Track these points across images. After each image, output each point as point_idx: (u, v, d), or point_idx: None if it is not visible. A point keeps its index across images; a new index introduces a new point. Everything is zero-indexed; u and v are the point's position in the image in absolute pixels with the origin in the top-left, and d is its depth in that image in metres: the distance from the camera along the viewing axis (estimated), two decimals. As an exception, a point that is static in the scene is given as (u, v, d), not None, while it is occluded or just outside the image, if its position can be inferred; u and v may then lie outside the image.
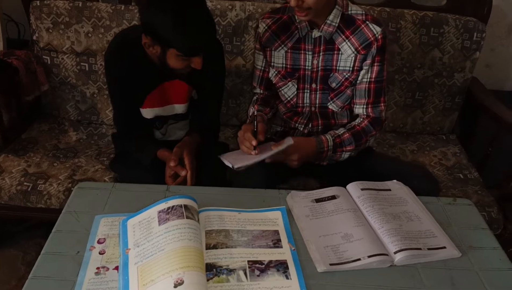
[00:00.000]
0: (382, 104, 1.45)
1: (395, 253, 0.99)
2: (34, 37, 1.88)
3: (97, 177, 1.62)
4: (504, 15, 2.03)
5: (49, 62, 1.89)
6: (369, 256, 0.98)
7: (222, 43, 1.81)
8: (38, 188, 1.57)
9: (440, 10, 1.89)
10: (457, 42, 1.84)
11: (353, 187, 1.20)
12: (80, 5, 1.83)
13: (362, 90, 1.43)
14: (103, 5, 1.83)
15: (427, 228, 1.09)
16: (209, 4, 1.82)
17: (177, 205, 1.03)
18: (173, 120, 1.52)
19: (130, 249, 0.97)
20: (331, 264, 0.97)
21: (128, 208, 1.10)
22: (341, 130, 1.44)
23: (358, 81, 1.42)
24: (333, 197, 1.17)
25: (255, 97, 1.56)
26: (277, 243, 1.03)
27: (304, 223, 1.09)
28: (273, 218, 1.11)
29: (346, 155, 1.45)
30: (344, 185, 1.22)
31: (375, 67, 1.39)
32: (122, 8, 1.83)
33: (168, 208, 1.02)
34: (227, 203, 1.14)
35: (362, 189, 1.18)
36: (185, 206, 1.03)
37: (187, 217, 1.00)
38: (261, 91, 1.54)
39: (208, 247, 0.99)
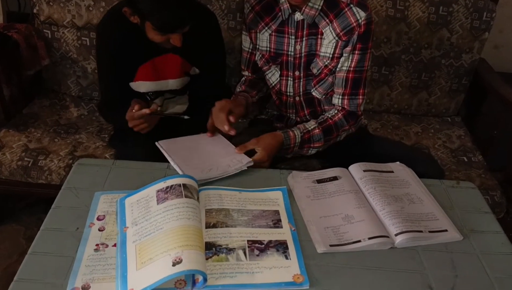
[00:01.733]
0: (360, 97, 1.35)
1: (396, 235, 0.99)
2: (35, 10, 1.84)
3: (98, 153, 1.62)
4: (515, -5, 1.98)
5: (49, 36, 1.86)
6: (370, 238, 0.98)
7: (226, 19, 1.79)
8: (39, 164, 1.56)
9: (451, -12, 1.84)
10: (466, 22, 1.80)
11: (355, 169, 1.19)
12: (81, -23, 1.79)
13: (340, 79, 1.33)
14: (104, -22, 1.79)
15: (429, 211, 1.08)
16: (212, -21, 1.77)
17: (176, 185, 1.02)
18: (170, 94, 1.50)
19: (128, 227, 0.96)
20: (331, 245, 0.97)
21: (128, 185, 1.09)
22: (311, 124, 1.35)
23: (337, 69, 1.33)
24: (334, 178, 1.16)
25: (243, 78, 1.52)
26: (277, 223, 1.02)
27: (304, 204, 1.08)
28: (274, 198, 1.10)
29: (313, 151, 1.38)
30: (346, 167, 1.20)
31: (356, 55, 1.29)
32: (124, -19, 1.79)
33: (167, 187, 1.01)
34: (228, 182, 1.14)
35: (364, 171, 1.17)
36: (184, 185, 1.02)
37: (186, 196, 0.99)
38: (249, 74, 1.49)
39: (208, 226, 0.99)
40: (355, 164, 1.20)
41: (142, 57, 1.39)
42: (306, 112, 1.47)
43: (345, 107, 1.36)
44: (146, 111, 1.27)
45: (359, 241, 0.98)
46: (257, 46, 1.41)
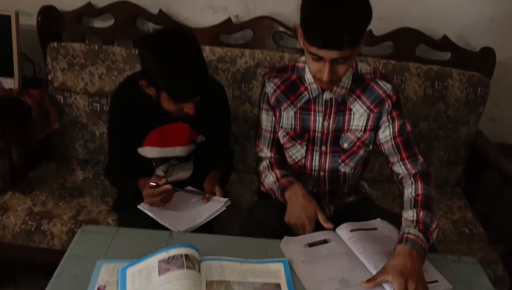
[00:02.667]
0: (419, 156, 1.31)
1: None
2: (49, 77, 1.94)
3: (101, 218, 1.63)
4: (508, 71, 2.07)
5: (62, 102, 1.95)
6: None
7: (231, 89, 1.88)
8: (42, 228, 1.58)
9: (445, 64, 1.93)
10: (462, 96, 1.87)
11: (342, 230, 1.22)
12: (96, 48, 1.89)
13: (390, 148, 1.32)
14: (118, 49, 1.90)
15: None
16: (220, 51, 1.88)
17: (178, 255, 1.02)
18: (175, 161, 1.54)
19: (129, 299, 0.96)
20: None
21: (130, 254, 1.09)
22: (409, 214, 1.20)
23: (382, 141, 1.33)
24: (324, 241, 1.19)
25: (265, 162, 1.43)
26: (278, 298, 1.01)
27: (301, 269, 1.10)
28: (275, 270, 1.10)
29: (435, 234, 1.20)
30: None
31: (396, 122, 1.31)
32: (136, 52, 1.89)
33: (169, 257, 1.02)
34: (229, 252, 1.14)
35: (351, 231, 1.20)
36: (186, 256, 1.02)
37: (188, 267, 1.00)
38: (272, 155, 1.43)
39: (208, 299, 0.98)
40: (342, 225, 1.22)
41: (152, 124, 1.44)
42: (327, 188, 1.45)
43: (412, 171, 1.29)
44: (168, 187, 1.31)
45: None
46: (281, 124, 1.39)
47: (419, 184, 1.26)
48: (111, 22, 2.02)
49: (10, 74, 1.91)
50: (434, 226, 1.18)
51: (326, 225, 1.23)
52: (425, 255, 1.12)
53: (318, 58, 1.14)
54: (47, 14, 1.95)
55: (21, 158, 1.86)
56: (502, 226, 1.73)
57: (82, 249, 1.12)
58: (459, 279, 1.13)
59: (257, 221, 1.37)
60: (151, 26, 2.06)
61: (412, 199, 1.24)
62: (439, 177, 1.99)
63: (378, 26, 1.95)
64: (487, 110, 1.95)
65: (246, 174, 1.96)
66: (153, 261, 1.03)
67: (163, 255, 1.04)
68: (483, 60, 1.92)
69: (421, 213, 1.19)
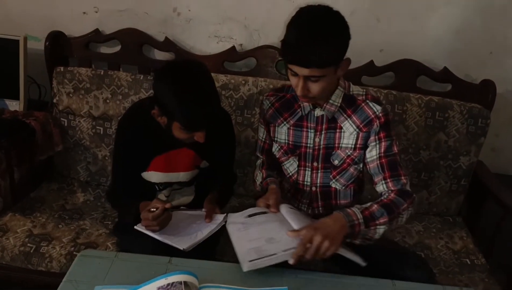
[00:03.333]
0: (402, 178, 1.36)
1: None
2: (54, 100, 1.96)
3: (100, 241, 1.62)
4: (508, 103, 2.09)
5: (66, 124, 1.97)
6: (284, 250, 1.14)
7: (234, 115, 1.90)
8: (41, 250, 1.57)
9: (445, 95, 1.96)
10: (462, 127, 1.89)
11: (283, 206, 1.37)
12: (102, 73, 1.93)
13: (376, 168, 1.39)
14: (123, 74, 1.93)
15: None
16: (223, 78, 1.91)
17: (177, 282, 1.01)
18: (177, 186, 1.55)
19: (127, 325, 0.95)
20: (250, 261, 1.12)
21: (129, 280, 1.09)
22: (366, 204, 1.32)
23: (368, 160, 1.40)
24: (264, 213, 1.35)
25: (259, 161, 1.60)
26: (277, 327, 1.00)
27: (235, 236, 1.24)
28: (275, 299, 1.09)
29: (381, 230, 1.29)
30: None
31: (383, 142, 1.38)
32: (141, 78, 1.93)
33: (168, 284, 1.01)
34: (229, 279, 1.13)
35: (291, 207, 1.36)
36: (185, 283, 1.02)
37: (187, 295, 0.99)
38: (264, 158, 1.59)
39: (207, 327, 0.97)
40: (283, 204, 1.37)
41: (158, 149, 1.46)
42: (320, 203, 1.51)
43: (392, 188, 1.35)
44: (165, 206, 1.31)
45: (275, 254, 1.14)
46: (275, 139, 1.51)
47: (392, 195, 1.34)
48: (117, 48, 2.06)
49: (16, 97, 1.95)
50: (381, 221, 1.28)
51: (271, 209, 1.35)
52: (354, 232, 1.25)
53: (294, 74, 1.28)
54: (55, 39, 1.99)
55: (22, 179, 1.87)
56: (503, 256, 1.71)
57: (81, 273, 1.11)
58: (460, 311, 1.12)
59: None
60: (157, 53, 2.10)
61: (377, 201, 1.33)
62: (440, 206, 1.99)
63: (379, 57, 2.00)
64: (488, 141, 1.96)
65: (247, 199, 1.96)
66: (151, 288, 1.02)
67: (162, 281, 1.03)
68: (483, 92, 1.94)
69: (375, 207, 1.30)
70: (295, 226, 1.25)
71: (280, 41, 1.28)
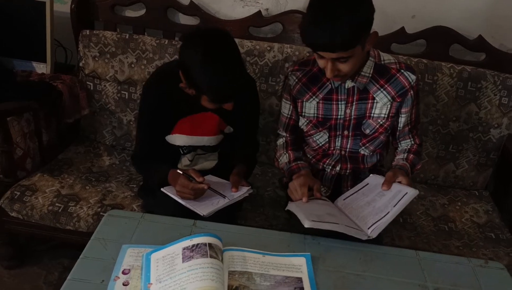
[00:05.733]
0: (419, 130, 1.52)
1: (368, 229, 1.19)
2: (81, 64, 1.97)
3: (126, 203, 1.66)
4: (545, 74, 2.00)
5: (91, 88, 1.98)
6: (346, 225, 1.17)
7: (258, 82, 1.87)
8: (69, 210, 1.61)
9: (479, 65, 1.88)
10: (495, 98, 1.82)
11: (338, 201, 1.37)
12: (127, 37, 1.92)
13: (406, 131, 1.47)
14: (148, 38, 1.92)
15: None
16: (248, 44, 1.88)
17: (201, 243, 1.03)
18: (201, 151, 1.55)
19: (152, 283, 0.98)
20: (312, 220, 1.15)
21: (155, 240, 1.11)
22: (404, 154, 1.46)
23: (401, 126, 1.45)
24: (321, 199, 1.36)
25: (282, 140, 1.54)
26: (299, 291, 1.01)
27: (296, 206, 1.25)
28: (297, 264, 1.10)
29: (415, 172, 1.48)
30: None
31: (414, 109, 1.44)
32: (166, 42, 1.91)
33: (193, 245, 1.03)
34: (252, 244, 1.14)
35: (344, 199, 1.36)
36: (210, 245, 1.03)
37: (211, 256, 1.00)
38: (287, 135, 1.54)
39: (230, 288, 0.99)
40: (338, 199, 1.38)
41: (183, 112, 1.47)
42: (348, 166, 1.51)
43: (418, 142, 1.50)
44: (204, 187, 1.34)
45: (337, 223, 1.16)
46: (304, 114, 1.47)
47: (415, 147, 1.49)
48: (142, 12, 2.04)
49: (43, 60, 1.96)
50: (418, 167, 1.47)
51: (316, 193, 1.34)
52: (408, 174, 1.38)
53: (321, 56, 1.24)
54: (81, 1, 1.97)
55: (50, 141, 1.91)
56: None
57: (108, 232, 1.14)
58: (486, 284, 1.11)
59: None
60: (181, 17, 2.07)
61: (407, 148, 1.49)
62: (467, 179, 1.95)
63: (411, 24, 1.92)
64: (521, 114, 1.89)
65: (269, 167, 1.96)
66: (177, 248, 1.05)
67: (187, 243, 1.05)
68: (519, 62, 1.86)
69: (411, 156, 1.45)
70: (358, 220, 1.25)
71: (299, 26, 1.25)
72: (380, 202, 1.26)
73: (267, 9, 2.03)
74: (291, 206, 1.28)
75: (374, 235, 1.17)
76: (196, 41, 1.28)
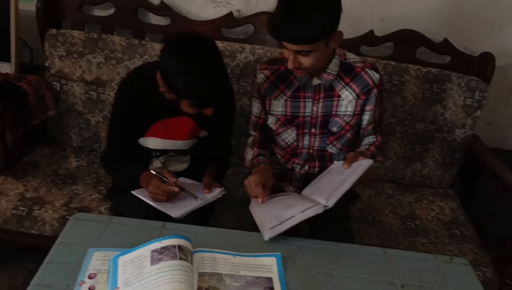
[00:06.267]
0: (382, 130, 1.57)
1: (324, 199, 1.22)
2: (47, 64, 1.92)
3: (93, 206, 1.62)
4: (507, 76, 2.07)
5: (58, 88, 1.93)
6: (302, 211, 1.19)
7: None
8: (33, 214, 1.57)
9: (444, 67, 1.94)
10: (459, 100, 1.88)
11: (304, 191, 1.39)
12: (95, 36, 1.88)
13: (370, 129, 1.51)
14: (117, 38, 1.89)
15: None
16: (220, 45, 1.87)
17: (171, 245, 1.02)
18: (173, 153, 1.54)
19: (119, 287, 0.96)
20: (270, 228, 1.17)
21: (122, 243, 1.09)
22: (365, 146, 1.51)
23: (364, 124, 1.50)
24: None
25: (251, 138, 1.58)
26: (269, 292, 1.01)
27: (256, 211, 1.27)
28: (268, 265, 1.10)
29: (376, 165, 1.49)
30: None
31: (378, 108, 1.48)
32: (136, 43, 1.88)
33: (162, 247, 1.02)
34: (222, 245, 1.14)
35: (310, 187, 1.38)
36: (179, 247, 1.02)
37: (181, 258, 0.99)
38: (256, 134, 1.57)
39: (200, 290, 0.98)
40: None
41: (157, 115, 1.44)
42: (316, 164, 1.54)
43: (380, 140, 1.54)
44: (176, 189, 1.33)
45: (293, 216, 1.18)
46: (272, 112, 1.50)
47: (378, 143, 1.52)
48: (111, 11, 2.01)
49: (7, 59, 1.90)
50: (379, 159, 1.49)
51: (260, 200, 1.33)
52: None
53: (285, 47, 1.28)
54: (48, 0, 1.93)
55: (15, 143, 1.85)
56: (494, 231, 1.73)
57: (74, 236, 1.11)
58: (450, 280, 1.14)
59: None
60: (152, 17, 2.05)
61: (370, 143, 1.52)
62: (433, 178, 2.00)
63: (380, 27, 1.96)
64: (484, 114, 1.95)
65: (241, 168, 1.95)
66: (145, 250, 1.03)
67: (156, 245, 1.03)
68: (482, 65, 1.92)
69: (372, 148, 1.49)
70: (317, 197, 1.28)
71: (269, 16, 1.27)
72: (339, 178, 1.30)
73: (238, 10, 2.03)
74: (252, 209, 1.31)
75: (330, 204, 1.21)
76: (178, 45, 1.27)
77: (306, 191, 1.38)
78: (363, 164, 1.28)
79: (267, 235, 1.17)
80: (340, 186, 1.24)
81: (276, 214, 1.22)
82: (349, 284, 1.09)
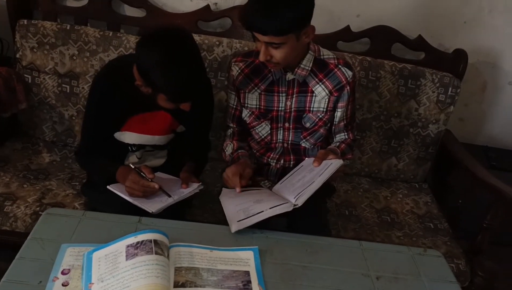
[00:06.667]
0: (354, 127, 1.58)
1: (294, 198, 1.24)
2: (17, 55, 1.86)
3: (67, 202, 1.59)
4: (478, 73, 2.13)
5: (30, 81, 1.87)
6: (271, 207, 1.19)
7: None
8: (5, 210, 1.52)
9: (418, 63, 1.97)
10: (433, 95, 1.92)
11: (275, 188, 1.39)
12: (68, 27, 1.83)
13: (341, 127, 1.52)
14: (91, 30, 1.84)
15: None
16: (197, 38, 1.85)
17: (146, 240, 1.01)
18: (150, 148, 1.52)
19: (93, 283, 0.94)
20: (238, 221, 1.17)
21: (97, 238, 1.07)
22: (336, 143, 1.53)
23: (337, 121, 1.51)
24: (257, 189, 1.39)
25: (230, 131, 1.58)
26: (247, 285, 1.02)
27: (226, 202, 1.27)
28: (245, 258, 1.10)
29: (346, 162, 1.52)
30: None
31: (350, 105, 1.49)
32: (110, 34, 1.84)
33: (138, 242, 1.00)
34: (199, 239, 1.13)
35: (280, 184, 1.39)
36: (155, 241, 1.01)
37: (156, 253, 0.98)
38: (235, 126, 1.57)
39: (176, 285, 0.97)
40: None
41: (134, 110, 1.42)
42: (291, 157, 1.55)
43: (352, 137, 1.55)
44: (156, 186, 1.31)
45: (261, 211, 1.19)
46: (246, 105, 1.50)
47: (349, 140, 1.54)
48: (85, 1, 1.96)
49: (-24, 50, 1.84)
50: (349, 156, 1.53)
51: (237, 189, 1.34)
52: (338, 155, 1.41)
53: (257, 39, 1.29)
54: (18, -11, 1.87)
55: (-16, 137, 1.79)
56: (466, 223, 1.78)
57: (47, 231, 1.09)
58: (424, 272, 1.16)
59: None
60: (127, 9, 2.01)
61: (341, 140, 1.54)
62: (407, 172, 2.04)
63: (356, 22, 1.98)
64: (457, 110, 2.00)
65: (219, 163, 1.94)
66: (120, 245, 1.01)
67: (132, 240, 1.02)
68: (455, 62, 1.96)
69: (343, 145, 1.51)
70: (287, 195, 1.29)
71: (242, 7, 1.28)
72: (308, 176, 1.31)
73: (215, 3, 2.01)
74: (222, 199, 1.31)
75: (299, 203, 1.22)
76: (155, 39, 1.25)
77: (277, 187, 1.39)
78: (333, 164, 1.29)
79: (234, 227, 1.18)
80: (310, 185, 1.26)
81: (244, 207, 1.23)
82: (325, 277, 1.10)
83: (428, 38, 1.99)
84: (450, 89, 1.91)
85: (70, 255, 1.02)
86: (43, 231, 1.08)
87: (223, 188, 1.38)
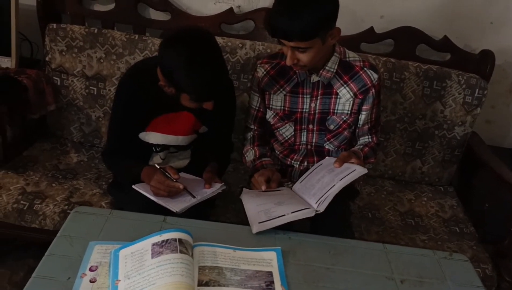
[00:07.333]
0: (379, 131, 1.58)
1: (315, 203, 1.23)
2: (47, 58, 1.92)
3: (94, 201, 1.62)
4: (506, 74, 2.08)
5: (58, 83, 1.93)
6: (293, 212, 1.19)
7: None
8: (34, 208, 1.57)
9: (444, 64, 1.94)
10: (459, 97, 1.88)
11: (295, 186, 1.39)
12: (96, 31, 1.88)
13: (365, 130, 1.52)
14: (117, 33, 1.89)
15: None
16: (220, 41, 1.87)
17: (171, 239, 1.02)
18: (174, 149, 1.54)
19: (120, 280, 0.96)
20: (259, 223, 1.18)
21: (123, 236, 1.09)
22: (359, 146, 1.51)
23: (361, 123, 1.50)
24: (278, 190, 1.38)
25: (250, 134, 1.58)
26: (270, 285, 1.02)
27: (247, 202, 1.28)
28: (268, 259, 1.10)
29: (369, 166, 1.53)
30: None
31: (375, 109, 1.49)
32: (136, 38, 1.88)
33: (163, 241, 1.02)
34: (223, 239, 1.14)
35: (300, 183, 1.39)
36: (180, 240, 1.03)
37: (181, 252, 1.00)
38: (255, 128, 1.58)
39: (200, 283, 0.99)
40: (297, 183, 1.40)
41: (158, 110, 1.45)
42: (315, 159, 1.54)
43: (376, 141, 1.54)
44: (180, 186, 1.32)
45: (283, 215, 1.19)
46: (271, 106, 1.51)
47: (373, 144, 1.53)
48: (111, 6, 2.01)
49: (7, 54, 1.89)
50: (371, 160, 1.54)
51: (263, 187, 1.36)
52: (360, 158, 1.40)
53: (283, 44, 1.30)
54: (48, -6, 1.93)
55: (15, 137, 1.85)
56: (493, 227, 1.74)
57: (75, 229, 1.12)
58: (450, 276, 1.14)
59: None
60: (152, 12, 2.04)
61: (365, 143, 1.53)
62: (432, 175, 2.01)
63: (380, 24, 1.97)
64: (483, 112, 1.96)
65: (241, 164, 1.95)
66: (146, 244, 1.03)
67: (157, 238, 1.04)
68: (482, 63, 1.92)
69: (366, 149, 1.49)
70: (308, 198, 1.30)
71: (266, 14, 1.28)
72: (328, 177, 1.30)
73: (239, 6, 2.03)
74: (243, 199, 1.32)
75: (321, 209, 1.22)
76: (178, 39, 1.27)
77: (297, 187, 1.39)
78: (356, 171, 1.27)
79: (255, 228, 1.18)
80: (330, 188, 1.24)
81: (266, 208, 1.24)
82: (349, 279, 1.09)
83: (454, 39, 1.96)
84: (476, 90, 1.87)
85: (97, 253, 1.04)
86: (72, 229, 1.11)
87: (244, 188, 1.39)
